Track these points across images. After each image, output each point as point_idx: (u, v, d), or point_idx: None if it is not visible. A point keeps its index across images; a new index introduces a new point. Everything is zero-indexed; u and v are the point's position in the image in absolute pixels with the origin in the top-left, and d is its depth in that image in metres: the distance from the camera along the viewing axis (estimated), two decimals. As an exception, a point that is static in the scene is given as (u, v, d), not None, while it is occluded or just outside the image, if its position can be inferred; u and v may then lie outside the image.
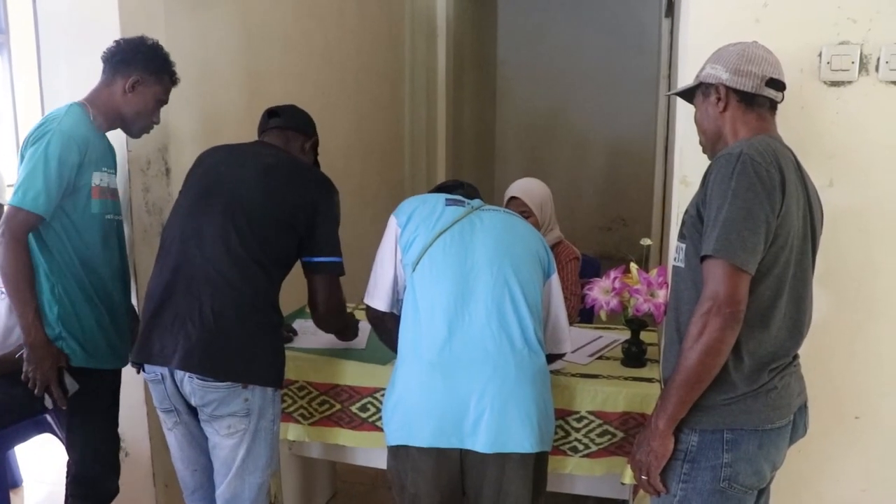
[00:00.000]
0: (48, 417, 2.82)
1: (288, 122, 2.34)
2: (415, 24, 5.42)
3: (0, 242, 2.10)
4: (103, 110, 2.30)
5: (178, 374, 2.05)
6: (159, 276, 2.13)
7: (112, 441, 2.44)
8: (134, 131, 2.40)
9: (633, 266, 2.37)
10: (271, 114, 2.35)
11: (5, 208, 2.14)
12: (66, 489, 2.40)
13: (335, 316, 2.30)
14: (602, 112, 7.87)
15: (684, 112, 2.08)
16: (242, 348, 2.07)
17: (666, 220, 4.07)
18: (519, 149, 8.19)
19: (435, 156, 5.95)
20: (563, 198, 3.10)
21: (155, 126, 2.43)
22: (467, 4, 6.51)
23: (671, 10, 4.71)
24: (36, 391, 2.18)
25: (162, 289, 2.09)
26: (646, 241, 2.55)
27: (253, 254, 2.08)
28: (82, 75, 2.54)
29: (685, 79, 2.09)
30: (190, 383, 2.04)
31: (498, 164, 8.25)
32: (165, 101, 2.42)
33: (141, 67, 2.31)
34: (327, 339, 2.56)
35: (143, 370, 2.15)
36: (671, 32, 4.85)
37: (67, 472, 2.39)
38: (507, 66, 8.19)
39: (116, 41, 2.36)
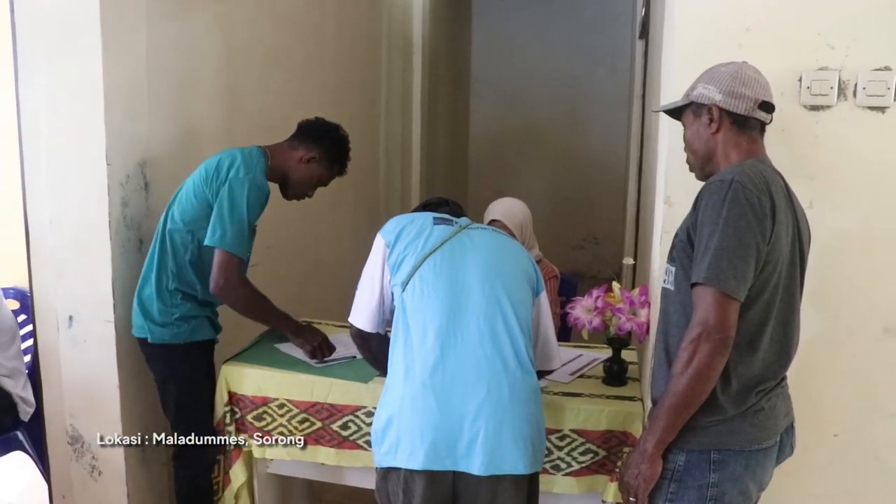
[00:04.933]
0: (19, 435, 2.77)
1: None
2: (391, 42, 5.44)
3: (229, 287, 2.40)
4: (277, 165, 2.56)
5: None
6: None
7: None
8: (288, 194, 2.65)
9: (616, 285, 2.39)
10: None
11: (216, 252, 2.39)
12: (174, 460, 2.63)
13: None
14: (574, 131, 7.96)
15: (668, 132, 2.10)
16: None
17: (641, 238, 4.10)
18: (492, 165, 8.23)
19: (409, 171, 5.97)
20: (535, 216, 3.11)
21: (307, 197, 2.68)
22: (442, 22, 6.56)
23: (645, 31, 4.77)
24: (314, 354, 2.56)
25: None
26: (628, 261, 2.57)
27: None
28: (61, 85, 2.51)
29: (666, 100, 2.11)
30: None
31: (471, 179, 8.29)
32: (325, 185, 2.68)
33: (324, 149, 2.59)
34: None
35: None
36: (645, 53, 4.92)
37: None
38: (480, 83, 8.25)
39: (318, 118, 2.65)
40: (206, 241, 2.39)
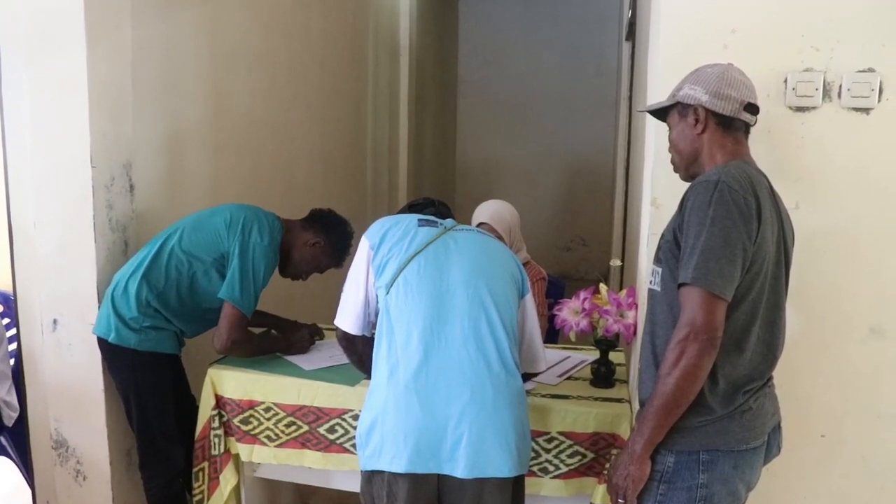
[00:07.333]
0: (2, 440, 2.74)
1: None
2: (378, 42, 5.44)
3: (235, 346, 2.50)
4: (287, 240, 2.66)
5: None
6: None
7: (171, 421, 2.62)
8: (286, 270, 2.74)
9: (603, 287, 2.39)
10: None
11: (227, 306, 2.48)
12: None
13: None
14: (561, 133, 7.98)
15: (654, 134, 2.11)
16: None
17: (628, 240, 4.11)
18: (479, 166, 8.24)
19: (396, 172, 5.97)
20: (522, 217, 3.12)
21: (301, 279, 2.79)
22: (429, 24, 6.57)
23: (632, 33, 4.79)
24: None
25: None
26: (615, 263, 2.57)
27: None
28: (45, 86, 2.49)
29: (652, 101, 2.11)
30: None
31: (459, 180, 8.30)
32: (321, 272, 2.78)
33: (329, 239, 2.71)
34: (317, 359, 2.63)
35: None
36: (632, 55, 4.93)
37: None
38: (467, 84, 8.26)
39: (330, 209, 2.78)
40: (221, 294, 2.47)
